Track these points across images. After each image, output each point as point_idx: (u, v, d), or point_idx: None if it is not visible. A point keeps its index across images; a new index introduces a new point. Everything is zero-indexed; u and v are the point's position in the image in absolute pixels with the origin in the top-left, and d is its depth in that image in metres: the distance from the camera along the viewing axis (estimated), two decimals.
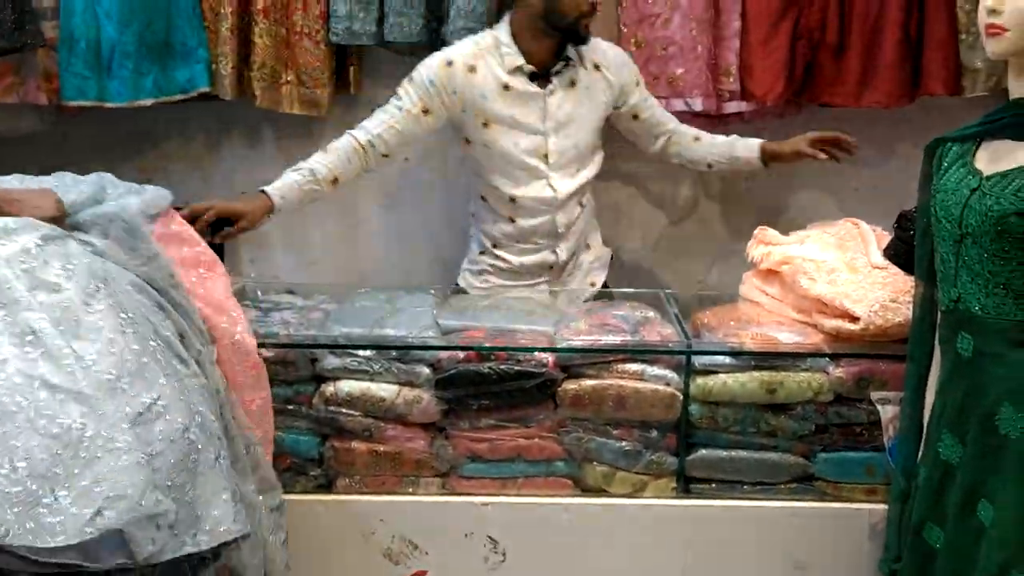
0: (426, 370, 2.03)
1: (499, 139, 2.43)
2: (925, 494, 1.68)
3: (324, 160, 2.37)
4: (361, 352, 2.05)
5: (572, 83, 2.45)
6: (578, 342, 2.07)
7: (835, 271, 2.09)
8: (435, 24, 2.83)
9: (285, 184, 2.33)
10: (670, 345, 2.07)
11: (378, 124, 2.41)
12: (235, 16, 2.80)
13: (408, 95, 2.41)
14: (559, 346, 2.05)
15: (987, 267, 1.54)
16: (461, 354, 2.03)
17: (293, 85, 2.90)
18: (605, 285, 2.67)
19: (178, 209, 2.05)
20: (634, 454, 2.05)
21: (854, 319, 1.97)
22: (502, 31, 2.42)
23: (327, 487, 2.09)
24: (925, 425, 1.74)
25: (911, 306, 1.90)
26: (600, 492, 2.08)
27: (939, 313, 1.68)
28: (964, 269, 1.58)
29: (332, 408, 2.04)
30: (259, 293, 2.42)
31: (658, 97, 2.80)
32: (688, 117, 2.89)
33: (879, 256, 2.10)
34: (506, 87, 2.41)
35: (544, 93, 2.42)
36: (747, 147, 2.54)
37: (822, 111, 2.91)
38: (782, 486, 2.07)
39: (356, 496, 2.08)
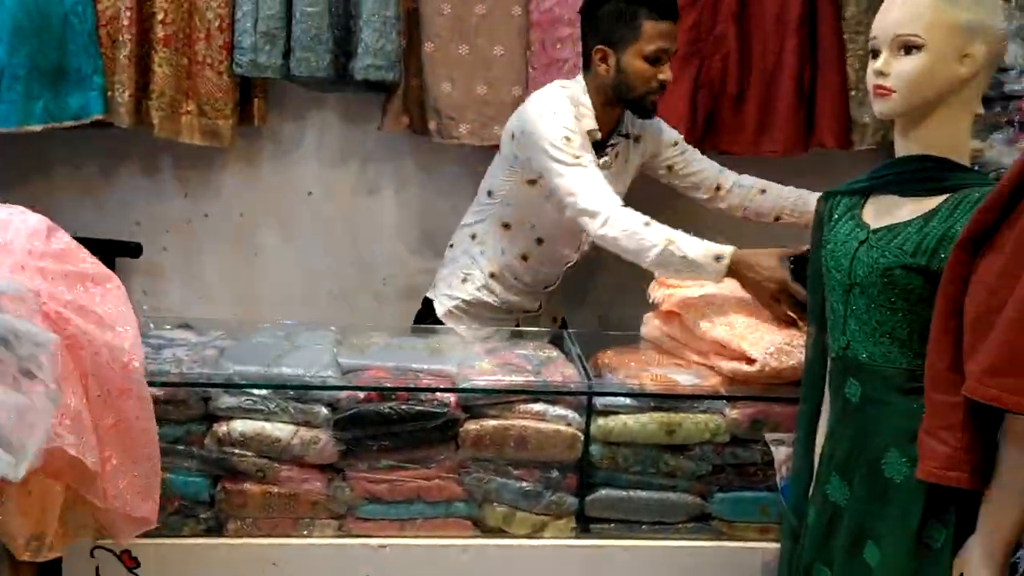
0: (324, 410, 1.99)
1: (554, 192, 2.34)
2: (814, 535, 1.72)
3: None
4: (256, 391, 1.99)
5: (617, 156, 2.48)
6: (480, 382, 2.06)
7: (732, 315, 2.15)
8: (343, 59, 2.82)
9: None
10: (572, 386, 2.08)
11: (607, 189, 2.26)
12: (134, 43, 2.72)
13: (586, 153, 2.30)
14: (461, 386, 2.03)
15: (874, 316, 1.60)
16: (361, 394, 1.99)
17: (194, 115, 2.84)
18: (564, 321, 2.72)
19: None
20: (534, 494, 2.04)
21: (750, 361, 2.02)
22: (580, 91, 2.38)
23: (217, 530, 2.01)
24: (815, 466, 1.79)
25: (799, 350, 1.97)
26: (500, 533, 2.06)
27: (829, 359, 1.74)
28: (852, 318, 1.63)
29: (225, 448, 1.97)
30: (151, 326, 2.34)
31: None
32: None
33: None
34: None
35: (599, 164, 2.35)
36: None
37: (721, 158, 2.99)
38: (680, 525, 2.09)
39: (248, 539, 2.01)
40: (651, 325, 2.36)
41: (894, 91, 1.56)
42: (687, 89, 2.83)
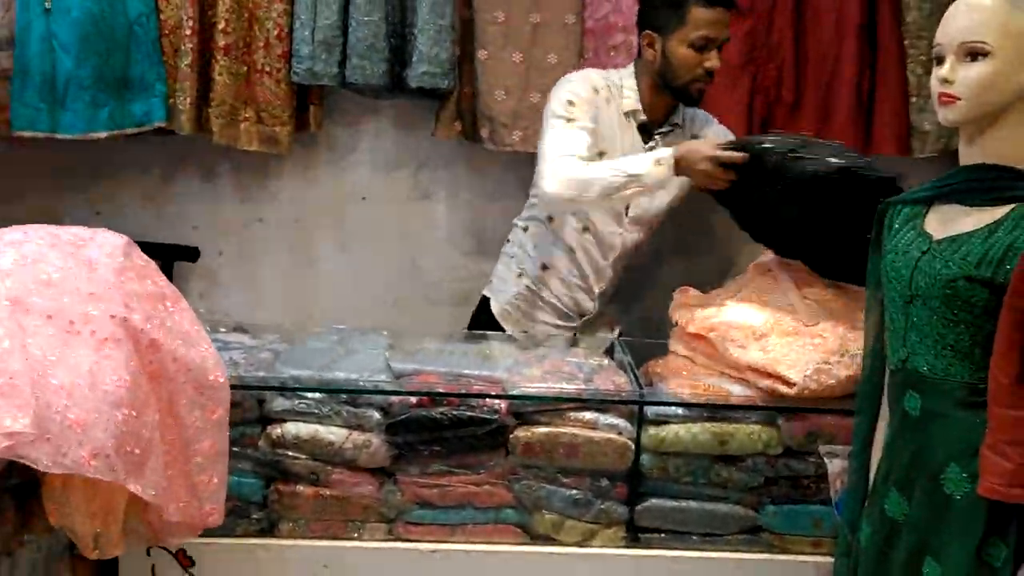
0: (376, 414, 2.01)
1: None
2: (871, 551, 1.69)
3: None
4: (310, 394, 2.02)
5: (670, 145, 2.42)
6: (531, 389, 2.06)
7: (764, 336, 2.07)
8: (398, 68, 2.85)
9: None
10: (623, 395, 2.07)
11: (585, 146, 2.31)
12: (195, 52, 2.79)
13: (583, 114, 2.34)
14: (512, 392, 2.04)
15: (936, 329, 1.57)
16: (413, 399, 2.01)
17: (252, 123, 2.89)
18: (620, 331, 2.68)
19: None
20: (584, 503, 2.03)
21: (789, 384, 1.97)
22: (627, 74, 2.44)
23: (269, 531, 2.04)
24: (871, 480, 1.75)
25: (841, 366, 1.94)
26: (549, 540, 2.06)
27: (888, 371, 1.71)
28: (913, 330, 1.60)
29: (278, 451, 2.00)
30: (208, 329, 2.37)
31: None
32: None
33: (808, 312, 2.11)
34: (618, 124, 2.42)
35: (644, 148, 2.40)
36: None
37: None
38: (730, 537, 2.07)
39: (300, 541, 2.03)
40: (678, 340, 2.27)
41: (960, 98, 1.53)
42: (743, 97, 2.81)
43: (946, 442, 1.55)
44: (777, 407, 2.03)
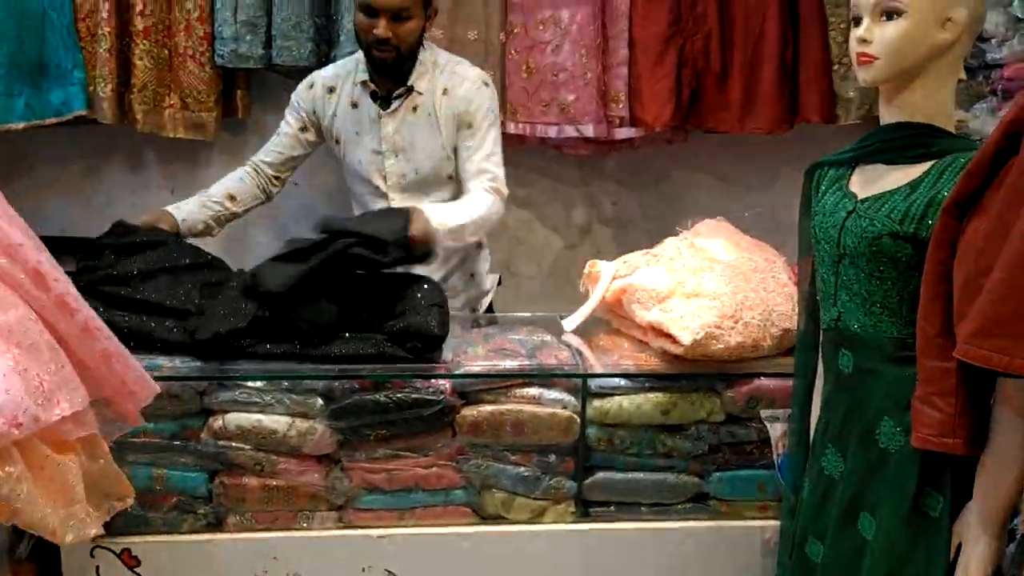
0: (319, 400, 1.98)
1: (346, 155, 2.50)
2: (808, 508, 1.72)
3: (219, 182, 2.52)
4: (251, 383, 1.98)
5: (414, 108, 2.41)
6: (475, 367, 2.05)
7: (667, 298, 2.09)
8: (325, 47, 2.80)
9: (184, 203, 2.43)
10: (566, 368, 2.08)
11: (265, 149, 2.55)
12: (113, 37, 2.70)
13: (287, 117, 2.53)
14: (456, 372, 2.03)
15: (864, 286, 1.60)
16: (356, 383, 1.99)
17: (176, 109, 2.82)
18: (490, 309, 2.66)
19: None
20: (533, 480, 2.04)
21: (678, 344, 1.99)
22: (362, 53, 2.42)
23: (217, 525, 2.01)
24: (811, 440, 1.79)
25: (734, 332, 1.98)
26: (499, 519, 2.06)
27: (821, 331, 1.74)
28: (843, 289, 1.63)
29: (221, 442, 1.97)
30: None
31: (550, 124, 2.83)
32: (580, 143, 2.93)
33: (714, 277, 2.12)
34: (354, 105, 2.45)
35: (382, 115, 2.42)
36: None
37: (707, 136, 3.00)
38: (679, 506, 2.09)
39: (248, 534, 2.01)
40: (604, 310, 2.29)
41: (877, 58, 1.55)
42: (671, 68, 2.83)
43: (878, 397, 1.58)
44: (717, 374, 2.05)
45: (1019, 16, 2.15)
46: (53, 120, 2.73)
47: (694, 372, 2.05)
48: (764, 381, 2.04)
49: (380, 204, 2.48)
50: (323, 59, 2.78)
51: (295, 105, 2.52)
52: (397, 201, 2.45)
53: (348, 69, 2.48)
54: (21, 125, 2.69)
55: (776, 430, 2.00)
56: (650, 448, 2.05)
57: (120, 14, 2.73)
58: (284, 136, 2.53)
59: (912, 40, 1.53)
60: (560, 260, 3.16)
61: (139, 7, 2.72)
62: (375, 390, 1.98)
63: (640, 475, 2.06)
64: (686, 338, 1.98)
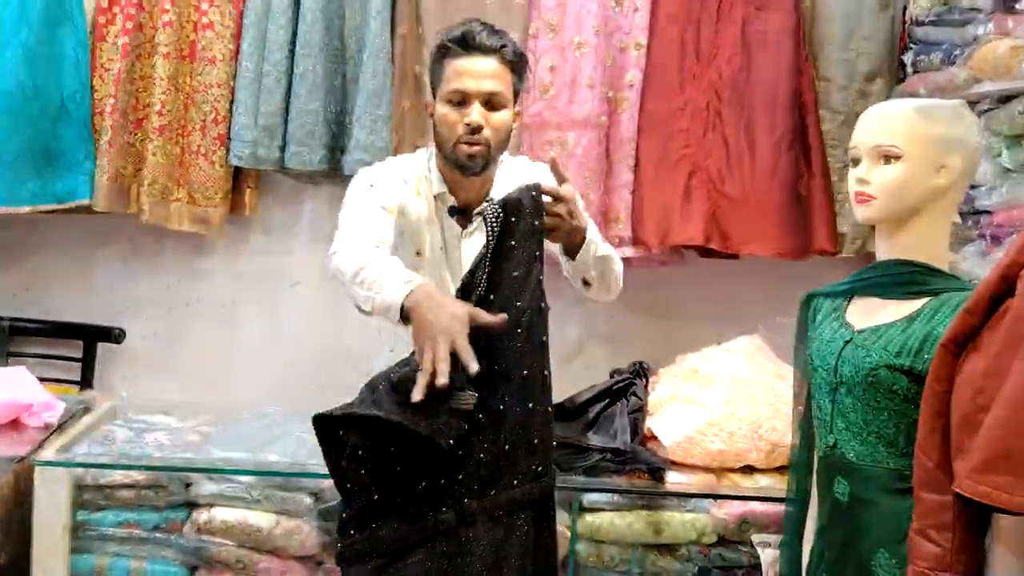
0: (308, 499, 1.96)
1: (412, 241, 2.03)
2: None
3: (390, 258, 1.85)
4: (240, 478, 1.96)
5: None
6: None
7: (664, 406, 2.22)
8: (337, 153, 2.89)
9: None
10: (558, 482, 2.06)
11: (381, 231, 1.91)
12: (115, 129, 2.78)
13: (382, 202, 1.95)
14: None
15: (861, 416, 1.62)
16: None
17: (183, 203, 2.88)
18: None
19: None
20: None
21: (661, 445, 2.13)
22: (426, 155, 2.05)
23: None
24: (804, 568, 1.78)
25: (718, 440, 2.04)
26: None
27: (816, 458, 1.75)
28: (840, 417, 1.66)
29: (204, 537, 1.94)
30: (131, 413, 2.31)
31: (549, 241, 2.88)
32: None
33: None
34: (430, 220, 2.02)
35: (462, 233, 2.02)
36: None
37: (701, 261, 3.06)
38: None
39: None
40: None
41: (875, 198, 1.62)
42: (675, 191, 2.88)
43: (875, 528, 1.58)
44: (709, 494, 2.05)
45: (1007, 167, 2.26)
46: (56, 206, 2.77)
47: (683, 492, 2.05)
48: (757, 505, 2.04)
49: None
50: (334, 164, 2.87)
51: (391, 193, 1.97)
52: None
53: (420, 174, 2.03)
54: (26, 209, 2.73)
55: (767, 556, 1.98)
56: (640, 567, 2.03)
57: (137, 111, 2.82)
58: (387, 220, 1.92)
59: (909, 184, 1.60)
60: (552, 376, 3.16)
61: (158, 106, 2.81)
62: None
63: None
64: (667, 440, 2.06)
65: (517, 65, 1.94)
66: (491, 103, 1.91)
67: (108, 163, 2.77)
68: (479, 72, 1.90)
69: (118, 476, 1.96)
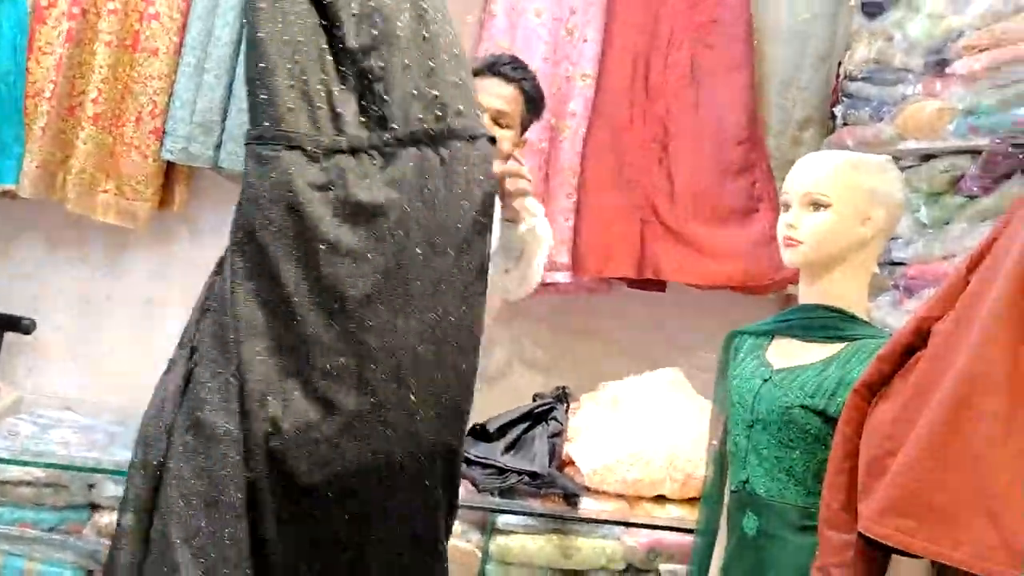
0: None
1: None
2: None
3: None
4: None
5: None
6: None
7: (581, 434, 2.28)
8: None
9: None
10: (474, 501, 2.06)
11: None
12: (50, 116, 2.69)
13: None
14: None
15: (774, 452, 1.66)
16: None
17: (111, 194, 2.80)
18: None
19: None
20: None
21: (579, 473, 2.18)
22: None
23: None
24: None
25: (635, 468, 2.10)
26: None
27: (727, 492, 1.78)
28: (753, 453, 1.69)
29: (104, 540, 1.87)
30: (38, 408, 2.23)
31: None
32: None
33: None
34: None
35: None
36: None
37: (629, 291, 3.10)
38: None
39: None
40: None
41: (802, 243, 1.68)
42: (615, 217, 2.89)
43: (780, 564, 1.62)
44: (620, 521, 2.07)
45: (924, 223, 2.35)
46: None
47: (595, 518, 2.07)
48: (667, 534, 2.07)
49: None
50: None
51: None
52: None
53: None
54: None
55: None
56: None
57: (72, 97, 2.74)
58: None
59: (834, 232, 1.66)
60: (476, 398, 3.15)
61: (94, 94, 2.73)
62: None
63: None
64: (585, 467, 2.11)
65: (532, 98, 2.18)
66: (499, 121, 2.12)
67: (39, 149, 2.68)
68: (495, 92, 2.13)
69: (17, 472, 1.89)
